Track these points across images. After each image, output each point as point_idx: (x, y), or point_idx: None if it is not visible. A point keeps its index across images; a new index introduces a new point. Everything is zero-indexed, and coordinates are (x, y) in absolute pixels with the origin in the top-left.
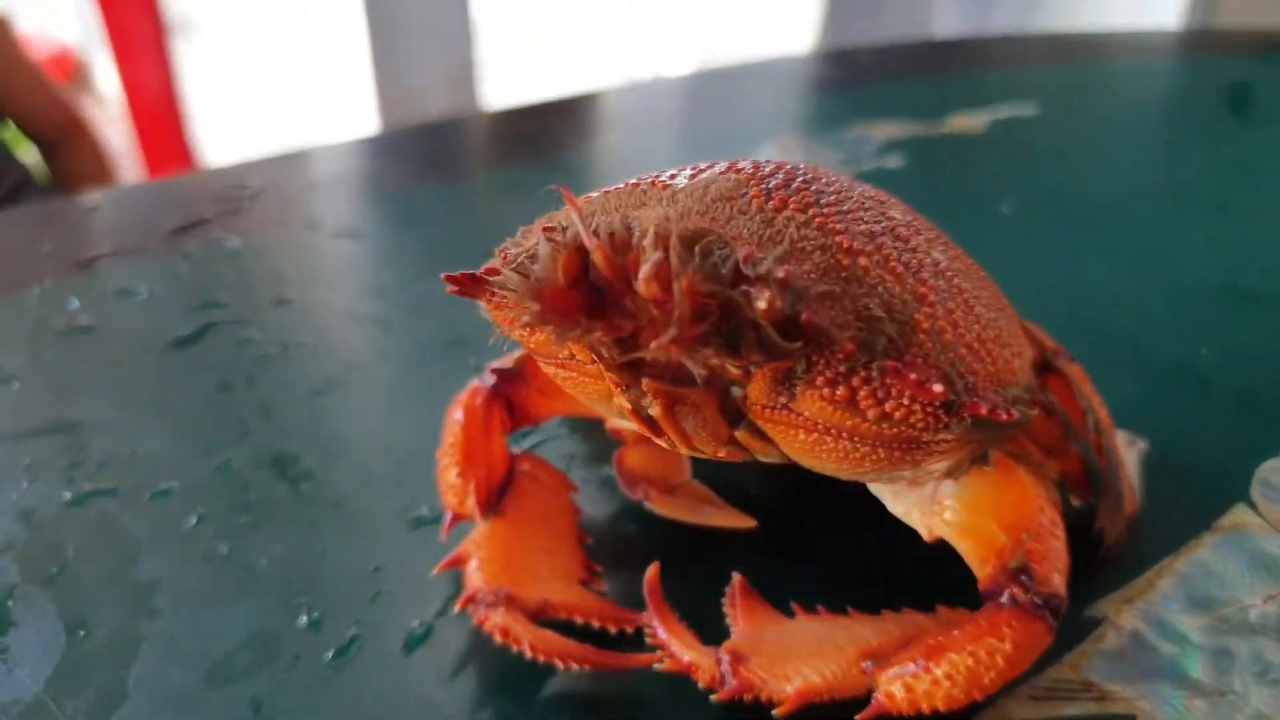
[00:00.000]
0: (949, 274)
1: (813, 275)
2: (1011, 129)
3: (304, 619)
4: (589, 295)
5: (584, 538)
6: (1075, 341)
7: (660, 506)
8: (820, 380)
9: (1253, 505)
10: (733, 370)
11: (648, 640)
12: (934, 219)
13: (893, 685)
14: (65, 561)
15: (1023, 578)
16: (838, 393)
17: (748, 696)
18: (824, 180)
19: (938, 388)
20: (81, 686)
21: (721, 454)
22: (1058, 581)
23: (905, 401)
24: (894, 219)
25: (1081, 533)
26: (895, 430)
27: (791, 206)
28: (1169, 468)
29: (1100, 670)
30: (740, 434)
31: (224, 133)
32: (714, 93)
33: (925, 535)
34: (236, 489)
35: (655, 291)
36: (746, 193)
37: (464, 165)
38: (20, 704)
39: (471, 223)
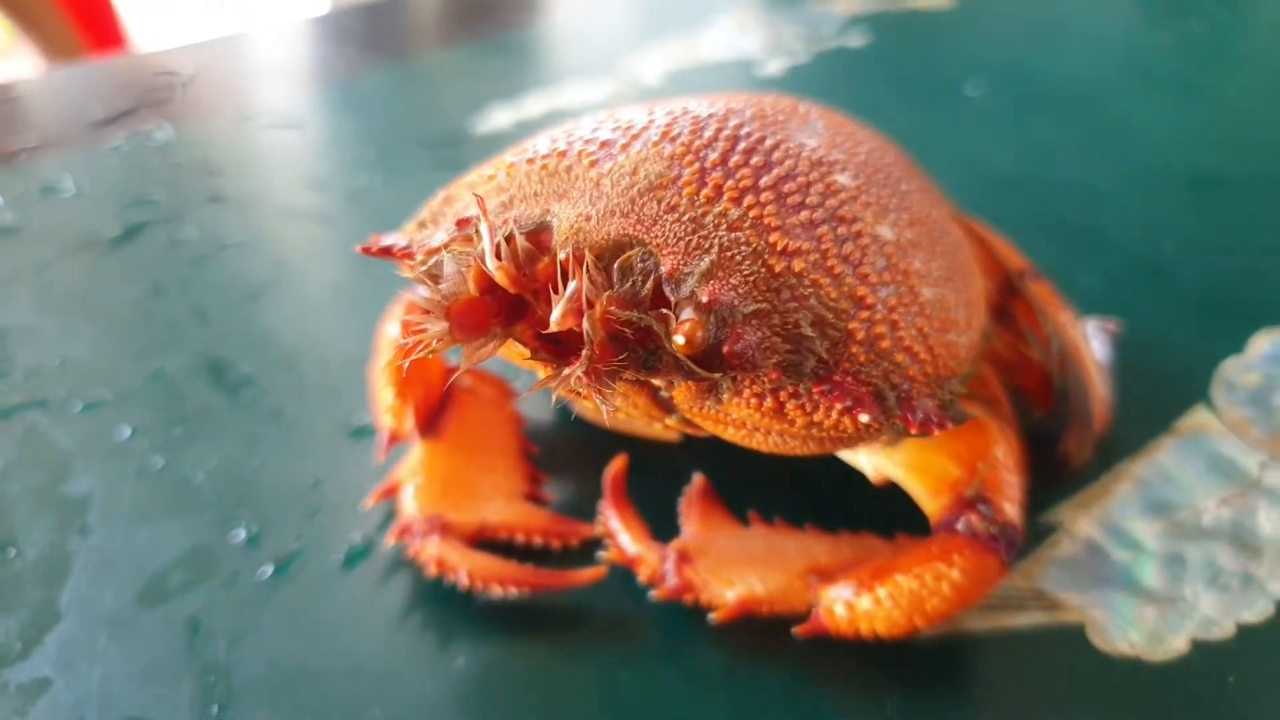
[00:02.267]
0: (895, 256)
1: (741, 290)
2: (981, 3)
3: (242, 534)
4: (504, 300)
5: (529, 448)
6: (1038, 234)
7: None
8: (746, 393)
9: (1213, 406)
10: (656, 382)
11: (598, 531)
12: (895, 103)
13: (834, 603)
14: None
15: (980, 506)
16: (765, 404)
17: (687, 598)
18: (769, 143)
19: (864, 417)
20: (13, 607)
21: (659, 430)
22: (1013, 513)
23: (834, 416)
24: (840, 188)
25: (1046, 448)
26: (825, 433)
27: (726, 196)
28: (1130, 366)
29: (1053, 578)
30: (673, 421)
31: (157, 13)
32: None
33: (873, 477)
34: (171, 398)
35: (570, 324)
36: (680, 176)
37: (407, 46)
38: None
39: (415, 107)
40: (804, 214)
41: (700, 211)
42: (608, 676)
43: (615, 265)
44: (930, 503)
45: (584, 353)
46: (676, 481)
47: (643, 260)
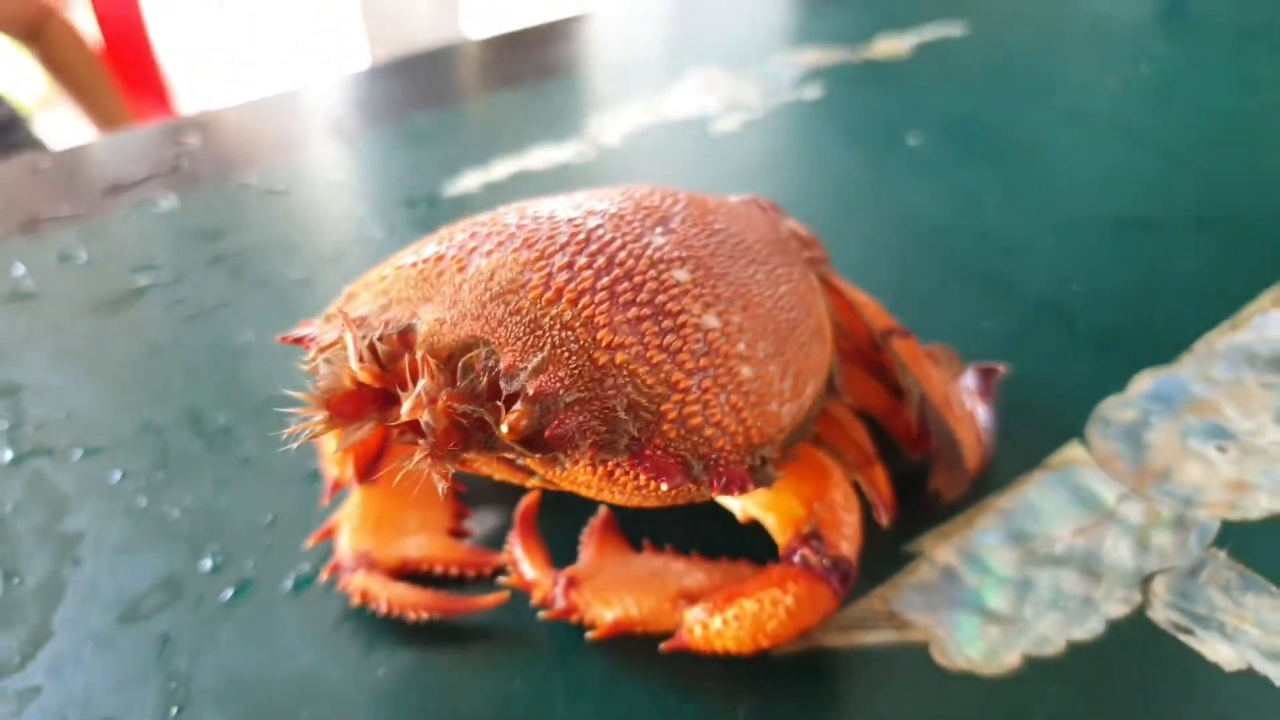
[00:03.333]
0: (717, 342)
1: (565, 382)
2: (937, 52)
3: (208, 563)
4: (376, 392)
5: (458, 487)
6: (953, 282)
7: None
8: (582, 463)
9: (1085, 442)
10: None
11: (504, 560)
12: (841, 154)
13: (693, 623)
14: (3, 516)
15: (813, 541)
16: (598, 471)
17: (573, 618)
18: (614, 245)
19: (664, 485)
20: (14, 626)
21: (530, 485)
22: (846, 549)
23: (651, 482)
24: (674, 284)
25: (923, 485)
26: (654, 494)
27: (565, 299)
28: (1016, 404)
29: (906, 601)
30: (536, 481)
31: (200, 68)
32: (661, 17)
33: (739, 516)
34: (158, 446)
35: (418, 414)
36: (528, 281)
37: (394, 112)
38: None
39: (398, 169)
40: (632, 311)
41: (540, 313)
42: (504, 684)
43: (460, 363)
44: (779, 536)
45: (426, 439)
46: (588, 514)
47: (486, 359)
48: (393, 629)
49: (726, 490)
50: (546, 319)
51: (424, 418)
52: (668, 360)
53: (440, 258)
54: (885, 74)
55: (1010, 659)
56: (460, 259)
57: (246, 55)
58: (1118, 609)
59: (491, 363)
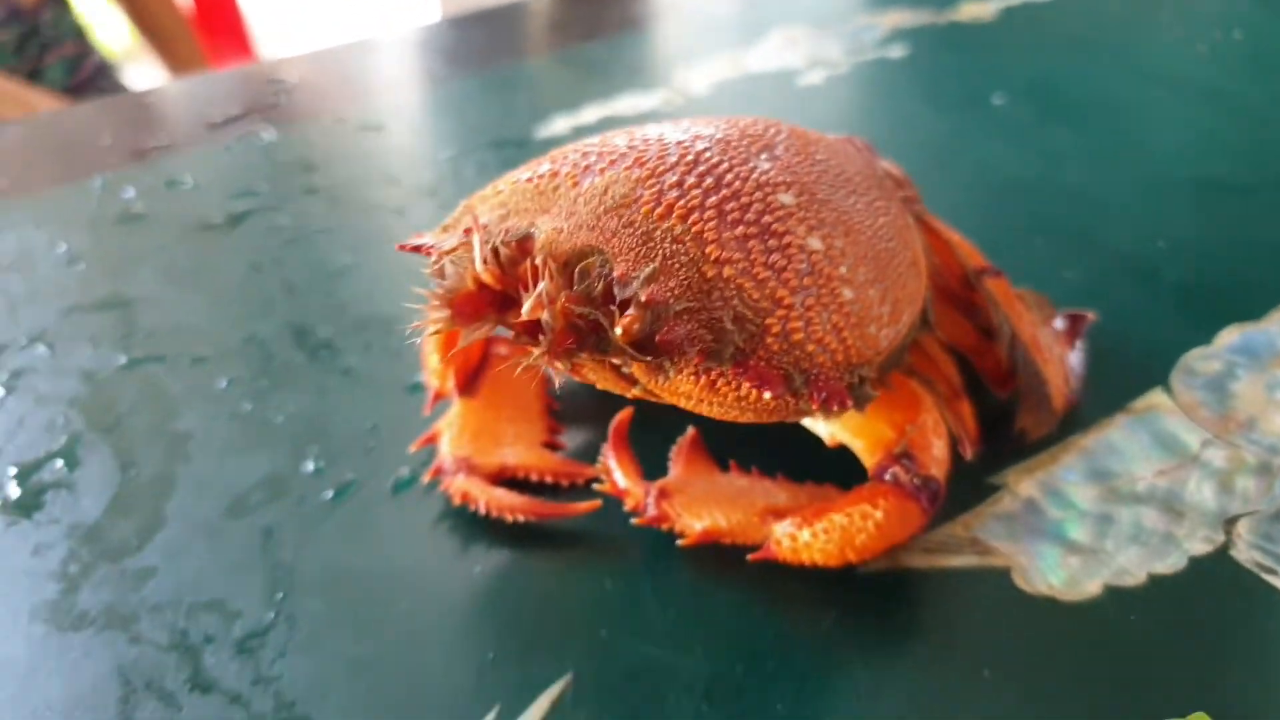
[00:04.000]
0: (820, 263)
1: (676, 291)
2: (1022, 16)
3: (310, 465)
4: (495, 294)
5: (552, 404)
6: (1035, 234)
7: None
8: (686, 371)
9: (1170, 390)
10: (615, 361)
11: (598, 470)
12: (925, 111)
13: (782, 535)
14: (119, 415)
15: (904, 460)
16: (700, 381)
17: (663, 526)
18: (722, 168)
19: (768, 393)
20: (130, 514)
21: (631, 395)
22: (936, 470)
23: (754, 392)
24: (779, 206)
25: (1009, 423)
26: (752, 406)
27: (676, 214)
28: (1100, 352)
29: (989, 529)
30: (638, 391)
31: (282, 22)
32: None
33: (827, 441)
34: (261, 357)
35: (538, 314)
36: (640, 197)
37: (486, 60)
38: (84, 525)
39: (488, 114)
40: (740, 229)
41: (652, 227)
42: (596, 586)
43: (577, 269)
44: (868, 459)
45: (544, 338)
46: (674, 434)
47: (600, 266)
48: (488, 531)
49: (826, 405)
50: (658, 232)
51: (543, 317)
52: (773, 277)
53: (555, 174)
54: (970, 36)
55: (1091, 588)
56: (574, 175)
57: (322, 10)
58: (1200, 546)
59: (606, 270)
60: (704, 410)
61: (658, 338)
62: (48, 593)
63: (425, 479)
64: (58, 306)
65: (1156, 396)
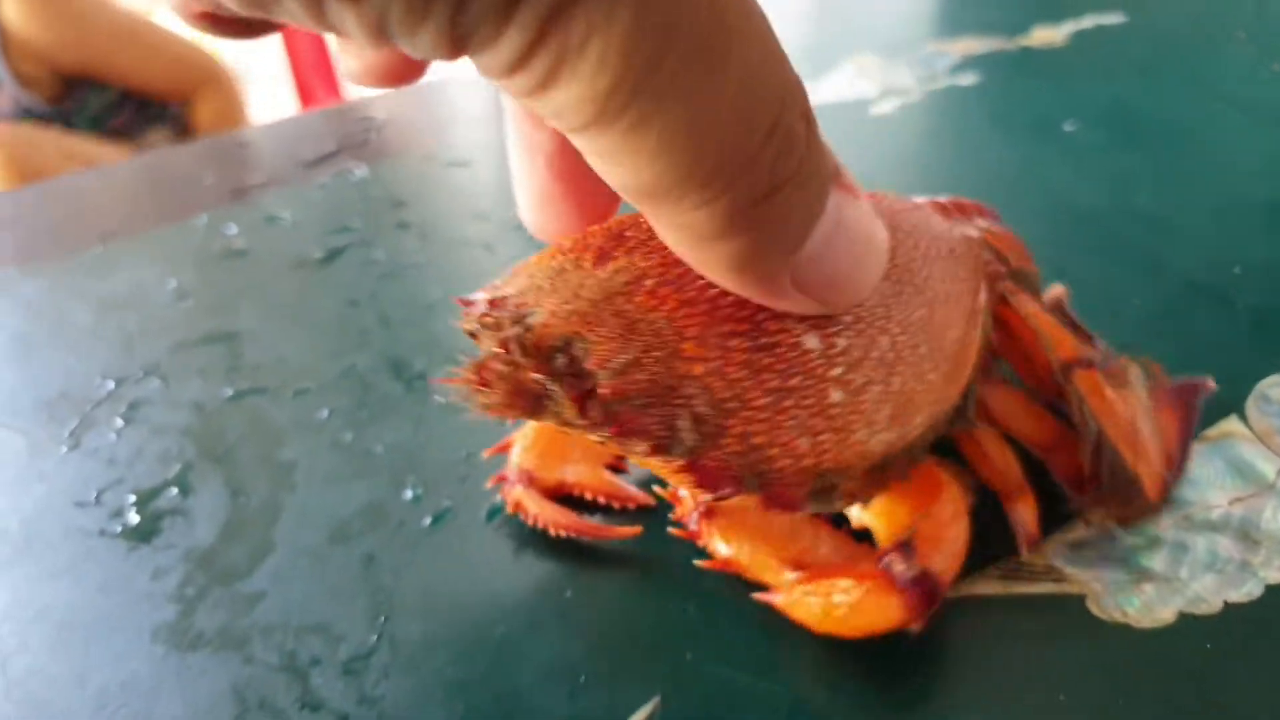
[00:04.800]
0: (813, 363)
1: (639, 386)
2: (1094, 41)
3: (409, 493)
4: None
5: None
6: (1104, 260)
7: None
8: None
9: (1244, 418)
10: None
11: (648, 498)
12: (996, 138)
13: (785, 584)
14: (229, 445)
15: (904, 549)
16: (660, 463)
17: (698, 542)
18: None
19: (708, 496)
20: (241, 540)
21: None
22: (938, 564)
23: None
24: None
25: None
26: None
27: (667, 306)
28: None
29: (1064, 556)
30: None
31: None
32: (810, 8)
33: (854, 523)
34: (360, 388)
35: (490, 370)
36: (642, 285)
37: None
38: (199, 550)
39: None
40: (727, 325)
41: (639, 317)
42: (680, 609)
43: (551, 346)
44: (883, 544)
45: (488, 392)
46: None
47: (576, 349)
48: (579, 556)
49: (774, 507)
50: (643, 323)
51: (496, 369)
52: (748, 377)
53: (582, 250)
54: (1041, 62)
55: (1165, 615)
56: (589, 258)
57: None
58: (1276, 575)
59: (582, 353)
60: (676, 483)
61: (609, 430)
62: (166, 614)
63: (488, 484)
64: (168, 341)
65: (1231, 424)
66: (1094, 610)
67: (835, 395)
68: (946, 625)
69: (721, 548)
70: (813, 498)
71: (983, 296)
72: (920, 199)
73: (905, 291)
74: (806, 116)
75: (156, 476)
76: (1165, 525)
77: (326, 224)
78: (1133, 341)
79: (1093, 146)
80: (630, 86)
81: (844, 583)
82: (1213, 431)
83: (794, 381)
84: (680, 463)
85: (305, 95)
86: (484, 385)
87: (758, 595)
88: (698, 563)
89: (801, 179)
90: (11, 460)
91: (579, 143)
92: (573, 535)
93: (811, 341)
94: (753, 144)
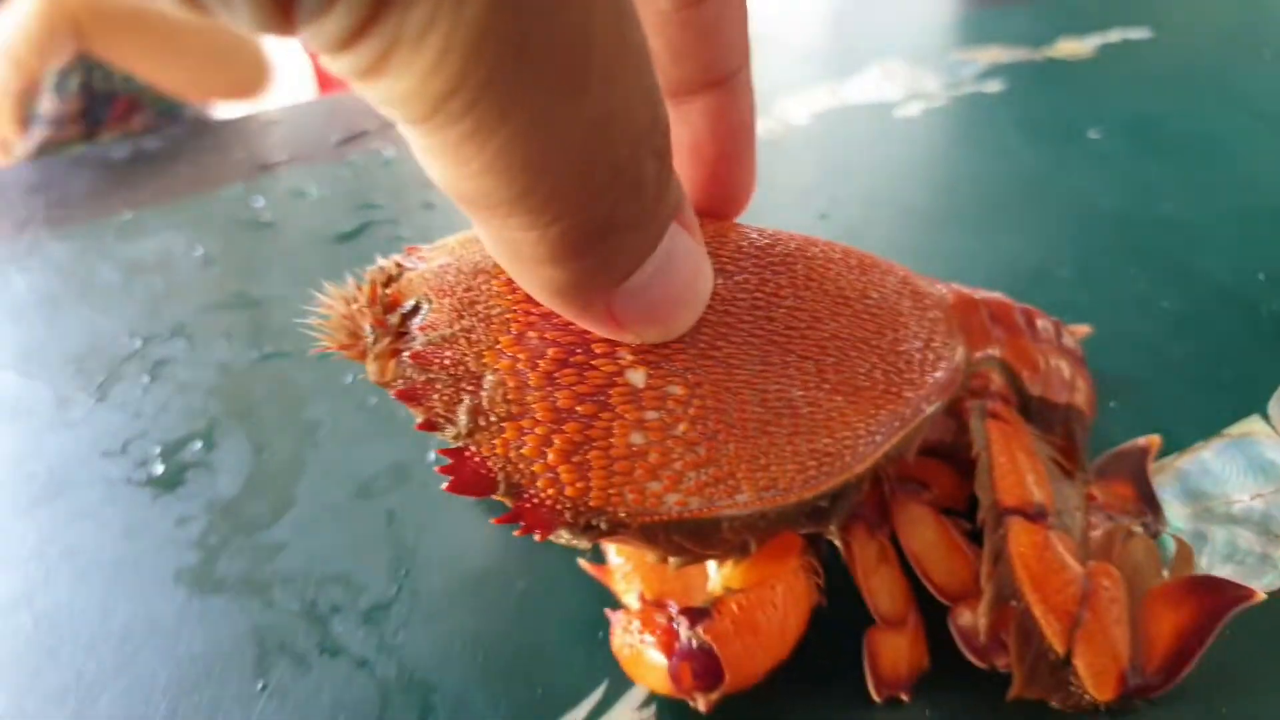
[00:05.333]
0: (621, 398)
1: (442, 362)
2: (1121, 54)
3: (431, 455)
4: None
5: None
6: (1128, 265)
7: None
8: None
9: (1266, 417)
10: None
11: None
12: (1021, 143)
13: (621, 611)
14: (253, 402)
15: (699, 613)
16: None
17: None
18: None
19: (458, 491)
20: (263, 493)
21: None
22: (732, 646)
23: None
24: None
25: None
26: None
27: (516, 297)
28: (1195, 380)
29: None
30: None
31: None
32: (838, 13)
33: (708, 584)
34: None
35: (333, 308)
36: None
37: None
38: (221, 501)
39: None
40: (553, 333)
41: (484, 297)
42: None
43: (393, 296)
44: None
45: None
46: None
47: (416, 308)
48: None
49: (518, 525)
50: (481, 306)
51: (340, 310)
52: (543, 386)
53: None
54: (1067, 72)
55: None
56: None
57: None
58: None
59: (415, 310)
60: None
61: (394, 391)
62: (189, 560)
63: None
64: (195, 304)
65: (1253, 423)
66: None
67: (635, 438)
68: None
69: (611, 554)
70: (569, 530)
71: (928, 408)
72: (948, 288)
73: (789, 362)
74: (661, 154)
75: (181, 430)
76: (1182, 513)
77: (354, 200)
78: (1159, 343)
79: (1117, 154)
80: (471, 92)
81: (638, 625)
82: (1234, 429)
83: (585, 408)
84: (446, 446)
85: (323, 83)
86: (329, 322)
87: (607, 610)
88: (580, 562)
89: (641, 222)
90: (40, 410)
91: (405, 132)
92: None
93: (636, 377)
94: (597, 180)
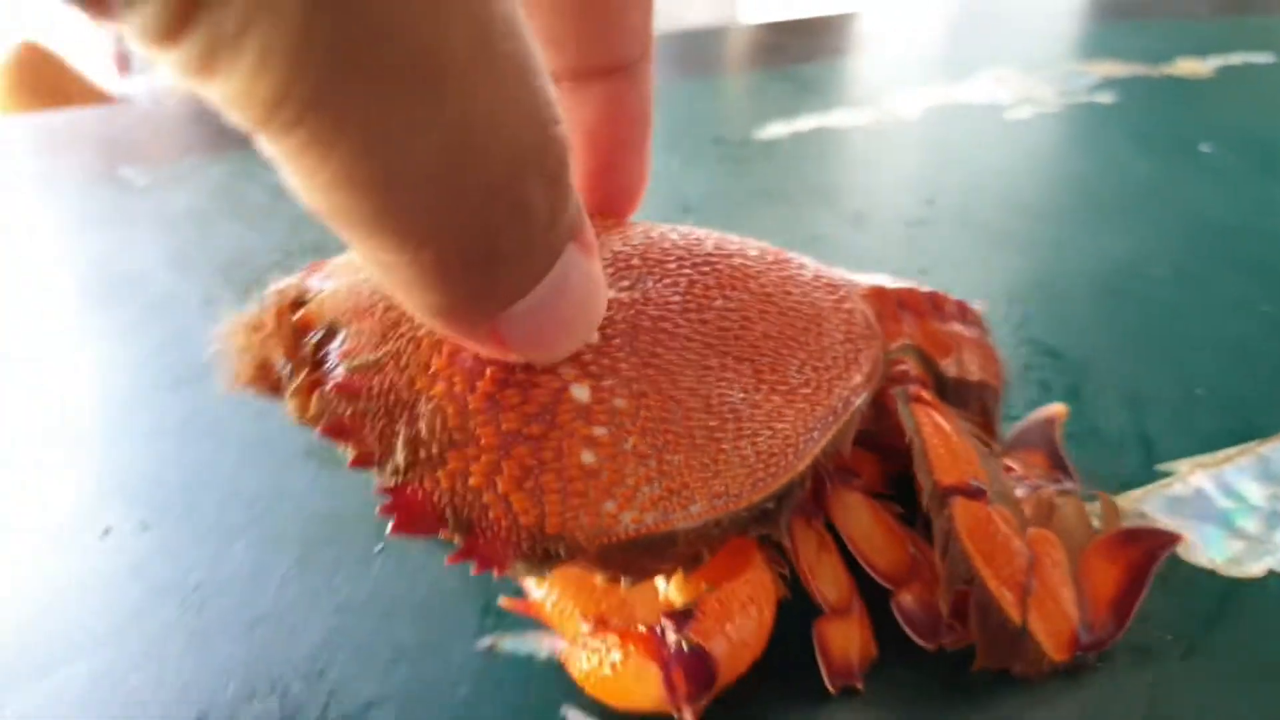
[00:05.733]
0: (569, 415)
1: (370, 391)
2: (1240, 75)
3: None
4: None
5: None
6: (1232, 272)
7: None
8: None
9: None
10: None
11: None
12: (1132, 154)
13: (573, 638)
14: None
15: (681, 616)
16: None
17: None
18: None
19: (403, 531)
20: None
21: None
22: (718, 645)
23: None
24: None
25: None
26: None
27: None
28: None
29: (1156, 506)
30: None
31: None
32: (957, 19)
33: (659, 597)
34: None
35: (233, 338)
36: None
37: (712, 69)
38: None
39: (713, 114)
40: (498, 369)
41: (405, 320)
42: None
43: (300, 325)
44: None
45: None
46: None
47: (341, 338)
48: None
49: (476, 561)
50: (405, 325)
51: (246, 341)
52: (485, 409)
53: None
54: (1184, 89)
55: (1255, 569)
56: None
57: None
58: None
59: (338, 340)
60: None
61: (320, 427)
62: (319, 444)
63: None
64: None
65: None
66: (1180, 552)
67: (586, 457)
68: None
69: (533, 588)
70: (525, 561)
71: (857, 400)
72: (865, 279)
73: (728, 364)
74: (553, 178)
75: None
76: (1260, 494)
77: None
78: (1253, 343)
79: (1228, 169)
80: (300, 100)
81: (614, 641)
82: None
83: (535, 429)
84: (384, 485)
85: None
86: (234, 353)
87: (556, 649)
88: (502, 600)
89: (528, 249)
90: (189, 306)
91: (254, 134)
92: None
93: (580, 391)
94: (468, 205)
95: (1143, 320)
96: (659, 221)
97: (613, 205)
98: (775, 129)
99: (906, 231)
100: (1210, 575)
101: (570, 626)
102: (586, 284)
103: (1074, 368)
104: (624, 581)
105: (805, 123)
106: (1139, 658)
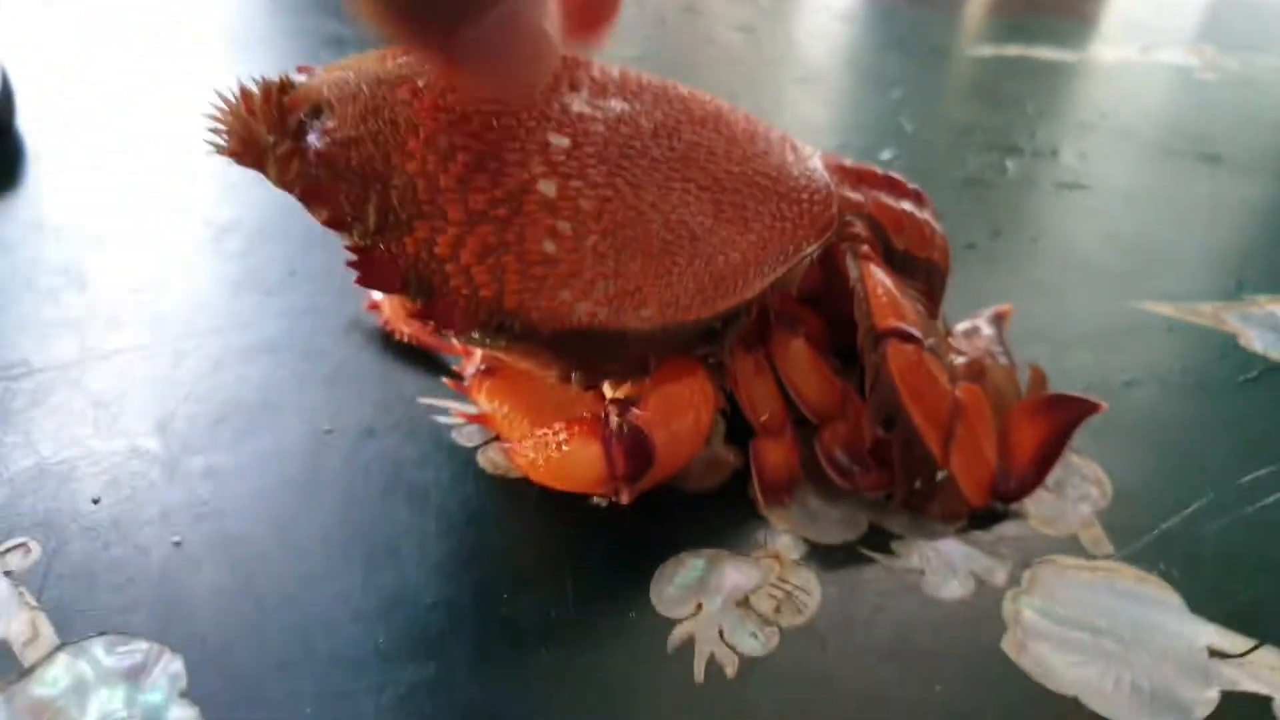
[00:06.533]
0: (534, 205)
1: (348, 161)
2: None
3: None
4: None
5: None
6: None
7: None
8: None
9: None
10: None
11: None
12: None
13: (519, 440)
14: None
15: (623, 403)
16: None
17: (468, 395)
18: (545, 95)
19: (372, 289)
20: None
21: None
22: (658, 434)
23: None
24: (545, 142)
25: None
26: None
27: (421, 104)
28: None
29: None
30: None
31: None
32: None
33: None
34: None
35: (222, 118)
36: (411, 81)
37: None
38: None
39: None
40: (462, 139)
41: (391, 106)
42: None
43: (285, 102)
44: None
45: (221, 123)
46: None
47: (325, 116)
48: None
49: (435, 322)
50: (387, 111)
51: (235, 116)
52: (455, 189)
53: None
54: None
55: None
56: (402, 54)
57: None
58: None
59: (321, 120)
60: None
61: (297, 190)
62: None
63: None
64: None
65: None
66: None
67: (548, 246)
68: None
69: (484, 403)
70: (482, 331)
71: (808, 247)
72: (834, 157)
73: (690, 189)
74: None
75: None
76: None
77: None
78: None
79: None
80: None
81: (559, 428)
82: None
83: (501, 211)
84: (351, 243)
85: None
86: (223, 128)
87: (500, 445)
88: (455, 411)
89: None
90: None
91: None
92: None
93: (547, 187)
94: None
95: None
96: None
97: (592, 12)
98: (984, 50)
99: None
100: None
101: (517, 433)
102: (534, 24)
103: None
104: (575, 378)
105: (1012, 50)
106: None
